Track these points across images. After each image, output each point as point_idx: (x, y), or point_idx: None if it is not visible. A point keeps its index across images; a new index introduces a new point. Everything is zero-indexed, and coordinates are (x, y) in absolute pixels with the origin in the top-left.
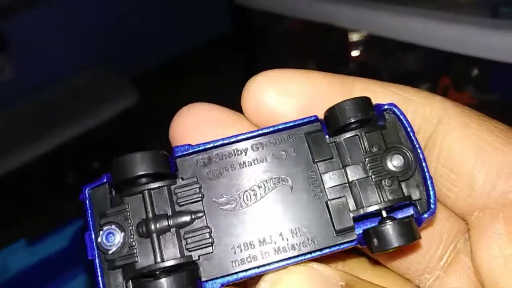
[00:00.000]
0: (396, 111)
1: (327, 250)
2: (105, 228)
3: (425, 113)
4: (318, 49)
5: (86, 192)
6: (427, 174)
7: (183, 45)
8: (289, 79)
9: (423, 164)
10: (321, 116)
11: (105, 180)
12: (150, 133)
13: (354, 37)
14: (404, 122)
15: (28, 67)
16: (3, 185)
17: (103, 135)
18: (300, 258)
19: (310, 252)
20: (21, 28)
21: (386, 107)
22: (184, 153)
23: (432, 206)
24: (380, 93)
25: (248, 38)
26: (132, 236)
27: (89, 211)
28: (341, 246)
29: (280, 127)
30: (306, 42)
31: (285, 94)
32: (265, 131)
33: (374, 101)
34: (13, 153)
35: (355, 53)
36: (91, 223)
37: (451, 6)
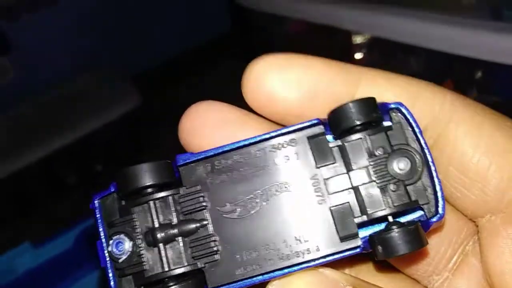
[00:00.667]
0: (404, 111)
1: (331, 258)
2: (114, 237)
3: (434, 111)
4: (321, 51)
5: (96, 202)
6: (435, 177)
7: (183, 45)
8: (292, 65)
9: (432, 167)
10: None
11: (112, 190)
12: (151, 134)
13: (358, 39)
14: (412, 122)
15: (30, 69)
16: (6, 187)
17: (105, 136)
18: (304, 265)
19: (314, 260)
20: (23, 30)
21: (392, 106)
22: (187, 161)
23: (440, 210)
24: (388, 87)
25: (248, 39)
26: (140, 245)
27: (99, 220)
28: (345, 254)
29: (282, 131)
30: (308, 44)
31: (287, 81)
32: (266, 136)
33: (381, 96)
34: (16, 155)
35: (358, 55)
36: (102, 232)
37: (454, 9)
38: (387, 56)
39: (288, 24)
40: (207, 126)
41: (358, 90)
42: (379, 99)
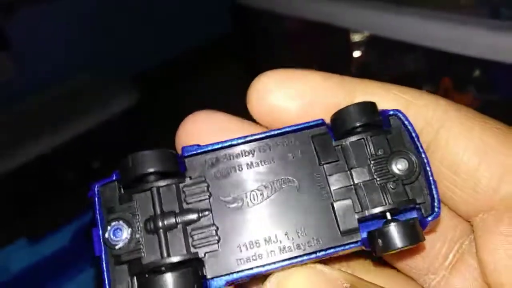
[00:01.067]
0: (402, 117)
1: (332, 250)
2: (112, 223)
3: (427, 116)
4: (320, 49)
5: (95, 189)
6: (431, 178)
7: (183, 45)
8: (293, 80)
9: (427, 168)
10: (324, 117)
11: (114, 178)
12: (150, 133)
13: (356, 37)
14: (409, 127)
15: (29, 66)
16: (4, 184)
17: (103, 135)
18: (305, 257)
19: (315, 252)
20: (22, 27)
21: (391, 112)
22: (193, 153)
23: (436, 209)
24: (382, 96)
25: (249, 38)
26: (139, 232)
27: (97, 207)
28: (346, 247)
29: (287, 129)
30: (307, 42)
31: (288, 94)
32: (272, 133)
33: (377, 105)
34: (14, 153)
35: (356, 53)
36: (99, 219)
37: (452, 7)
38: (385, 54)
39: (288, 23)
40: (205, 135)
41: (354, 101)
42: None
